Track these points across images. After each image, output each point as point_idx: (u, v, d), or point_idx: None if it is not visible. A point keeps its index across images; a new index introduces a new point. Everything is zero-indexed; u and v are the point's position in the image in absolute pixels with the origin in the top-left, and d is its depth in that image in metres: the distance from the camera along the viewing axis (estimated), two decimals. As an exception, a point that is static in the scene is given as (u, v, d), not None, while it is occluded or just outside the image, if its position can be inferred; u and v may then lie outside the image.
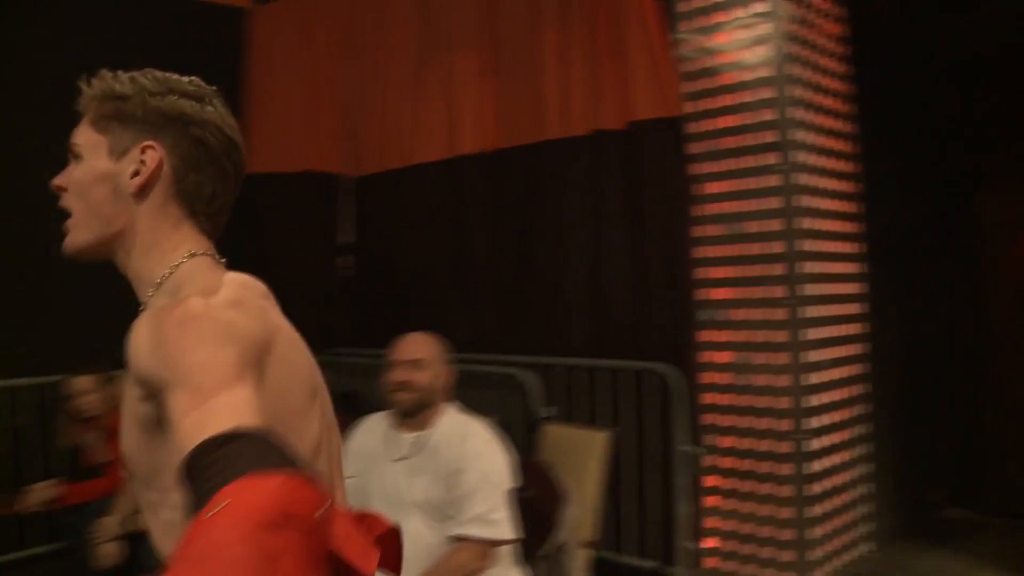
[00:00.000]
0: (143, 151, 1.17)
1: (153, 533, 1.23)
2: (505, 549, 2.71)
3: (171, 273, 1.17)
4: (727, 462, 3.59)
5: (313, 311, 5.11)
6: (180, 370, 0.99)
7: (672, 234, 3.62)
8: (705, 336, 3.61)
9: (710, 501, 3.64)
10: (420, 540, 2.64)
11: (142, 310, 1.17)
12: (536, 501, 2.91)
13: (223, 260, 1.24)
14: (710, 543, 3.64)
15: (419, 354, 2.78)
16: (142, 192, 1.17)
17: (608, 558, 3.70)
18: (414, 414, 2.76)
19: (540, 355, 4.03)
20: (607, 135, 3.78)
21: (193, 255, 1.19)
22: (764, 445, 3.47)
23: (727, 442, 3.59)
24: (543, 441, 3.67)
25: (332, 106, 5.19)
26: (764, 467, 3.48)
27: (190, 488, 0.89)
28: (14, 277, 4.20)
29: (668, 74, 3.57)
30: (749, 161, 3.45)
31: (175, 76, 1.21)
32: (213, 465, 0.87)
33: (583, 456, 3.50)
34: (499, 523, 2.60)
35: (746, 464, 3.54)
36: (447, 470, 2.64)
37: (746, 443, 3.54)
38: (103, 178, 1.18)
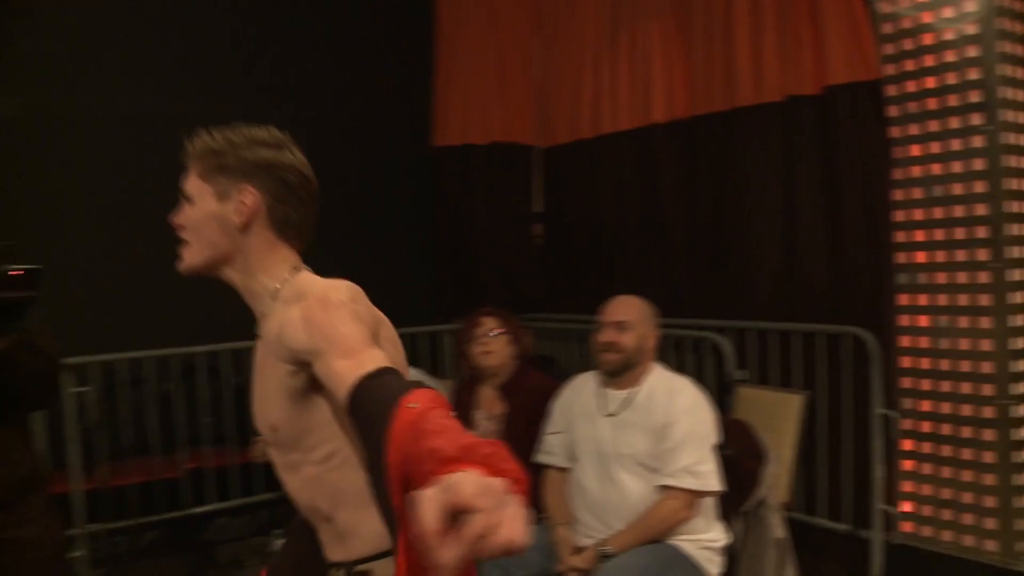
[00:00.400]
0: (241, 194, 1.54)
1: (292, 489, 1.59)
2: (708, 502, 2.85)
3: (283, 285, 1.55)
4: (925, 426, 3.57)
5: (511, 278, 5.36)
6: (332, 340, 1.33)
7: (869, 198, 3.59)
8: (904, 300, 3.59)
9: (907, 465, 3.64)
10: (628, 491, 2.82)
11: (262, 316, 1.56)
12: (738, 458, 3.02)
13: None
14: (906, 507, 3.64)
15: (625, 316, 2.93)
16: (244, 226, 1.55)
17: (801, 520, 3.75)
18: (620, 374, 2.93)
19: (733, 319, 4.11)
20: (801, 100, 3.77)
21: (296, 269, 1.58)
22: (966, 410, 3.43)
23: (925, 406, 3.56)
24: (737, 403, 3.76)
25: (522, 78, 5.38)
26: (965, 432, 3.45)
27: (361, 407, 1.21)
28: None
29: (866, 36, 3.53)
30: (953, 122, 3.39)
31: (256, 129, 1.60)
32: (381, 388, 1.20)
33: (777, 418, 3.57)
34: (706, 475, 2.74)
35: (945, 429, 3.51)
36: (656, 424, 2.79)
37: (945, 407, 3.50)
38: (212, 217, 1.55)
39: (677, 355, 4.21)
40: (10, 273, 2.10)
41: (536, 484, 3.09)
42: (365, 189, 5.41)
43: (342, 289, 1.47)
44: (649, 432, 2.80)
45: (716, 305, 4.22)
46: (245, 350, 4.61)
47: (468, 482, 0.89)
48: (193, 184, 1.58)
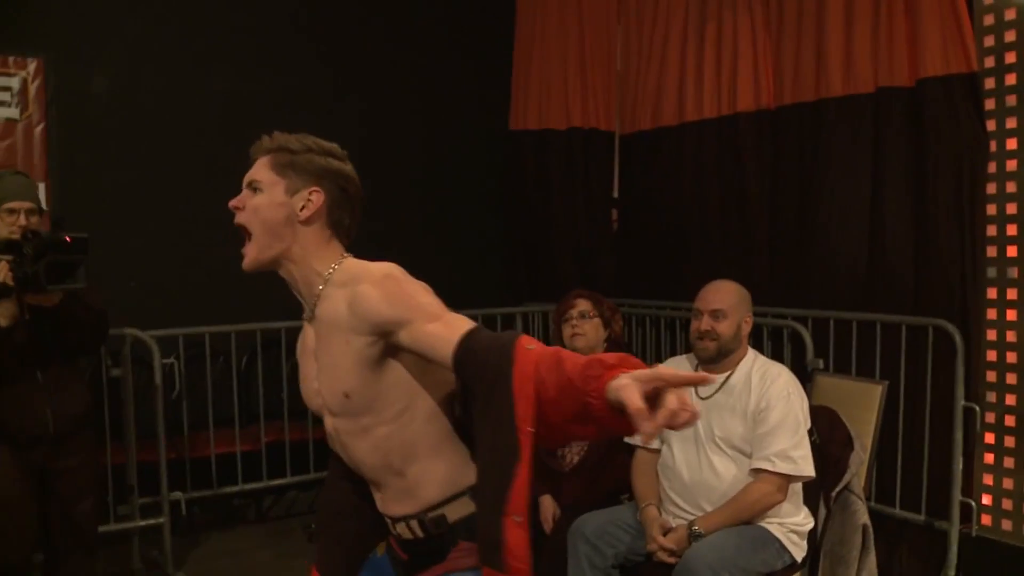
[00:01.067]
0: (311, 193, 1.70)
1: (361, 453, 1.74)
2: (796, 487, 2.89)
3: (333, 271, 1.71)
4: (1009, 420, 3.57)
5: (585, 262, 5.42)
6: (417, 309, 1.57)
7: (960, 191, 3.59)
8: (993, 293, 3.58)
9: (988, 458, 3.64)
10: (721, 474, 2.86)
11: (316, 298, 1.71)
12: (826, 444, 3.05)
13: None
14: (986, 500, 3.65)
15: (721, 304, 2.95)
16: (308, 221, 1.71)
17: (879, 510, 3.77)
18: (716, 360, 2.97)
19: (814, 308, 4.12)
20: (893, 92, 3.77)
21: (344, 256, 1.74)
22: (1051, 405, 3.43)
23: (1010, 400, 3.56)
24: (817, 392, 3.77)
25: (603, 64, 5.42)
26: (1049, 427, 3.44)
27: (474, 355, 1.47)
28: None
29: (965, 28, 3.52)
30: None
31: (325, 141, 1.77)
32: (488, 338, 1.49)
33: (857, 407, 3.57)
34: (799, 460, 2.77)
35: (1030, 423, 3.51)
36: (751, 409, 2.83)
37: (1031, 402, 3.50)
38: (280, 207, 1.70)
39: (755, 343, 4.23)
40: (66, 239, 2.60)
41: (624, 463, 3.15)
42: (440, 171, 5.49)
43: (396, 268, 1.65)
44: (744, 416, 2.84)
45: (796, 294, 4.24)
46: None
47: (654, 373, 1.24)
48: (264, 174, 1.72)
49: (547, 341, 5.12)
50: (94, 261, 4.42)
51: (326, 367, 1.71)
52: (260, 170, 1.73)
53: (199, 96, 4.83)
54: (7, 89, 4.40)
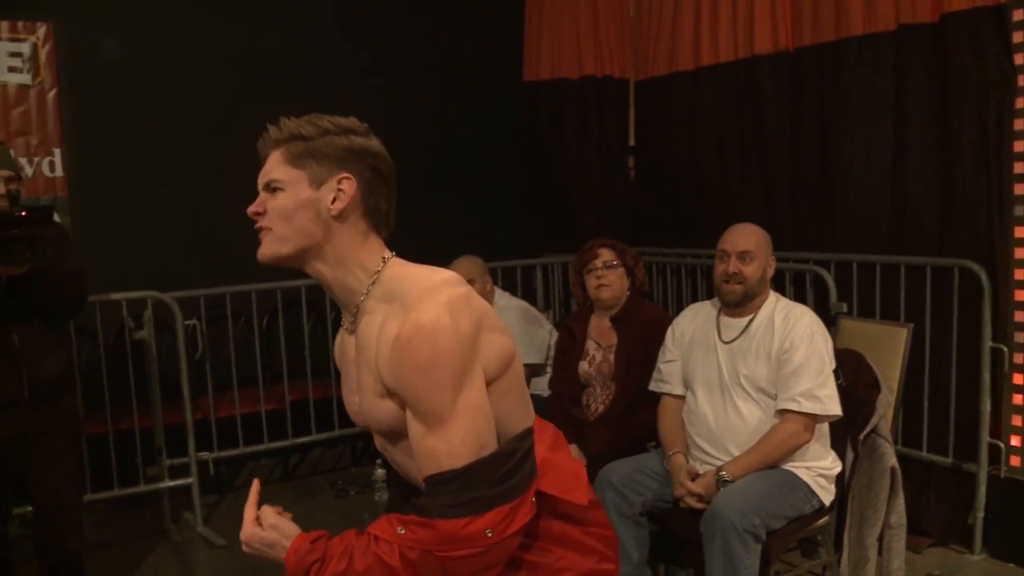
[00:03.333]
0: (340, 182, 1.48)
1: (405, 465, 1.59)
2: (823, 430, 2.87)
3: (376, 278, 1.50)
4: (1038, 360, 3.54)
5: (602, 211, 5.38)
6: (421, 401, 1.37)
7: (987, 129, 3.52)
8: (1021, 232, 3.53)
9: (1017, 399, 3.61)
10: (747, 417, 2.85)
11: (357, 309, 1.51)
12: (852, 387, 3.03)
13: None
14: (1015, 441, 3.62)
15: (748, 246, 2.92)
16: (342, 215, 1.49)
17: (906, 453, 3.76)
18: (741, 304, 2.94)
19: (837, 252, 4.08)
20: (915, 28, 3.69)
21: (385, 259, 1.52)
22: (1082, 344, 3.39)
23: (1039, 340, 3.53)
24: (841, 336, 3.74)
25: (615, 11, 5.33)
26: (1079, 366, 3.41)
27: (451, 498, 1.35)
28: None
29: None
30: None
31: (340, 118, 1.53)
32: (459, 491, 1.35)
33: (882, 351, 3.53)
34: (825, 399, 2.76)
35: (1058, 363, 3.48)
36: (775, 350, 2.81)
37: (1059, 342, 3.46)
38: (307, 205, 1.47)
39: (777, 288, 4.19)
40: (21, 213, 2.64)
41: (649, 412, 3.14)
42: (454, 125, 5.46)
43: (442, 311, 1.38)
44: (768, 358, 2.82)
45: (818, 238, 4.20)
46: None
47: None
48: (281, 171, 1.50)
49: (566, 291, 5.17)
50: (112, 225, 4.50)
51: (364, 390, 1.53)
52: (275, 167, 1.51)
53: (212, 57, 4.80)
54: (18, 55, 4.38)
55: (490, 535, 1.35)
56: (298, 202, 1.48)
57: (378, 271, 1.51)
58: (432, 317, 1.36)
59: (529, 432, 1.50)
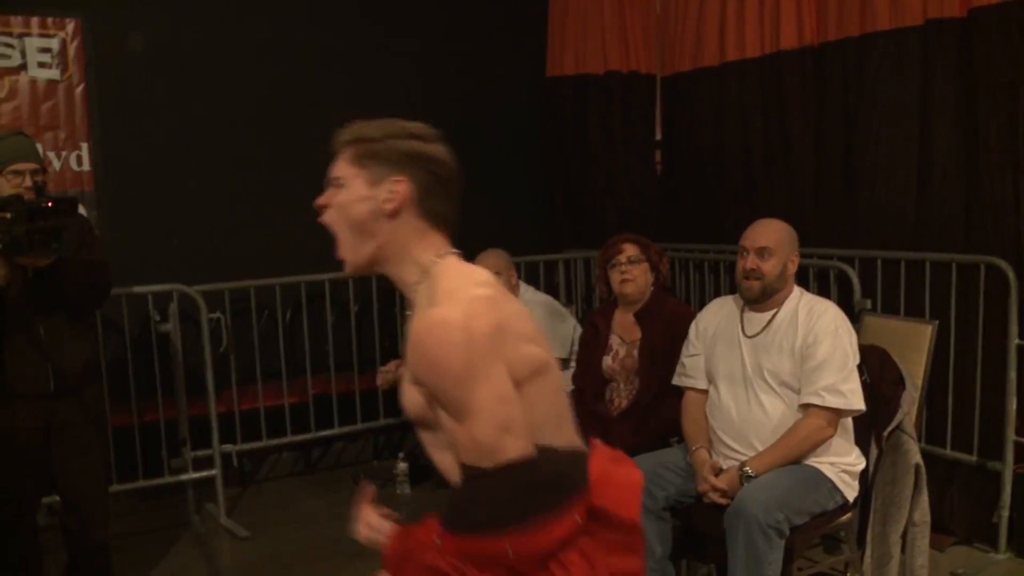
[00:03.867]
0: (394, 182, 1.55)
1: (445, 466, 1.57)
2: (847, 426, 2.87)
3: (425, 277, 1.55)
4: (1065, 358, 3.51)
5: (628, 207, 5.38)
6: (446, 398, 1.39)
7: (1015, 124, 3.49)
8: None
9: (1043, 397, 3.58)
10: (770, 412, 2.84)
11: (414, 306, 1.55)
12: (877, 384, 3.02)
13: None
14: (1040, 439, 3.60)
15: (767, 242, 2.91)
16: (394, 214, 1.56)
17: (930, 451, 3.73)
18: (761, 300, 2.94)
19: (861, 248, 4.06)
20: (943, 23, 3.66)
21: (439, 256, 1.57)
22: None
23: (1066, 337, 3.50)
24: (865, 333, 3.73)
25: (640, 6, 5.33)
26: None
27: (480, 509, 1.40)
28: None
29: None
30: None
31: (408, 122, 1.61)
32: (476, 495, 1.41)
33: (907, 348, 3.52)
34: (848, 393, 2.75)
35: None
36: (798, 345, 2.81)
37: (1087, 339, 3.43)
38: (363, 200, 1.56)
39: (801, 284, 4.18)
40: (48, 204, 2.67)
41: (673, 407, 3.14)
42: (479, 120, 5.45)
43: (456, 308, 1.41)
44: (792, 352, 2.82)
45: (843, 234, 4.18)
46: (366, 280, 4.78)
47: None
48: (344, 168, 1.60)
49: (587, 287, 5.16)
50: (138, 218, 4.54)
51: (406, 377, 1.56)
52: (340, 165, 1.61)
53: (239, 51, 4.83)
54: (47, 50, 4.42)
55: (510, 555, 1.37)
56: (355, 198, 1.57)
57: (427, 268, 1.57)
58: (444, 313, 1.41)
59: (557, 452, 1.50)
